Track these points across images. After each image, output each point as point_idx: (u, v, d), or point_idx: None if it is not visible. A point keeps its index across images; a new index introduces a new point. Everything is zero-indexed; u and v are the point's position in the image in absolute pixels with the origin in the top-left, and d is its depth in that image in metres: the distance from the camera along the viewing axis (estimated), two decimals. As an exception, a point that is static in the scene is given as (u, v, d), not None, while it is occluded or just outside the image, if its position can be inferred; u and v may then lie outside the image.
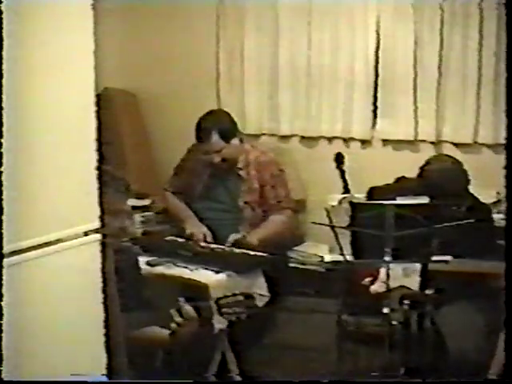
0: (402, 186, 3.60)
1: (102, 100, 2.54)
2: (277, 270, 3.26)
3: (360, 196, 3.77)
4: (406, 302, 2.89)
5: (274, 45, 4.55)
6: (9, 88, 1.59)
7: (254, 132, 4.63)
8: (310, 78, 4.51)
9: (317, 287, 3.92)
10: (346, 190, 4.06)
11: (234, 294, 2.34)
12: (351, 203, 3.07)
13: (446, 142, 4.32)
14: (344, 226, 2.95)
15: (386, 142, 4.47)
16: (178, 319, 2.30)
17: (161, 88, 4.80)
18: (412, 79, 4.29)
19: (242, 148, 3.71)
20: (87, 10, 1.90)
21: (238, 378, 2.90)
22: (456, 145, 4.29)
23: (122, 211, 2.63)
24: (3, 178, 1.59)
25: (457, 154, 3.95)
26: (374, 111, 4.43)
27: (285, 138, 4.65)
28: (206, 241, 3.47)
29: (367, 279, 3.14)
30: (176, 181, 3.87)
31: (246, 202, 3.65)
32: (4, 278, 1.61)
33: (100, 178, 1.93)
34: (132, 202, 3.24)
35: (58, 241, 1.82)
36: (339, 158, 4.22)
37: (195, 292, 2.80)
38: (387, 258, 2.76)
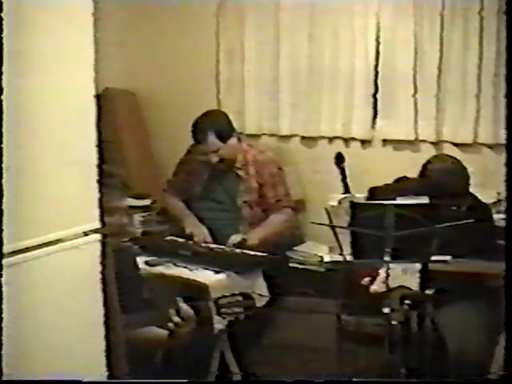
0: (402, 186, 3.60)
1: (102, 100, 2.54)
2: (276, 270, 3.27)
3: (360, 196, 3.76)
4: (406, 301, 2.89)
5: (274, 45, 4.55)
6: (9, 88, 1.59)
7: (253, 132, 4.63)
8: (310, 78, 4.51)
9: (317, 287, 3.90)
10: (346, 190, 4.06)
11: (234, 294, 2.34)
12: (351, 203, 3.08)
13: (446, 142, 4.32)
14: (344, 226, 2.95)
15: (386, 141, 4.46)
16: (176, 319, 2.29)
17: (161, 88, 4.81)
18: (412, 79, 4.29)
19: (239, 147, 3.71)
20: (87, 10, 1.90)
21: (238, 378, 2.90)
22: (456, 145, 4.28)
23: (119, 209, 2.62)
24: (3, 178, 1.59)
25: (457, 153, 3.96)
26: (374, 111, 4.43)
27: (285, 137, 4.64)
28: (205, 241, 3.48)
29: (367, 279, 3.14)
30: (175, 181, 3.88)
31: (245, 202, 3.65)
32: (4, 277, 1.61)
33: (100, 178, 1.93)
34: (132, 201, 3.24)
35: (58, 241, 1.82)
36: (339, 158, 4.22)
37: (195, 292, 2.80)
38: (387, 258, 2.76)
